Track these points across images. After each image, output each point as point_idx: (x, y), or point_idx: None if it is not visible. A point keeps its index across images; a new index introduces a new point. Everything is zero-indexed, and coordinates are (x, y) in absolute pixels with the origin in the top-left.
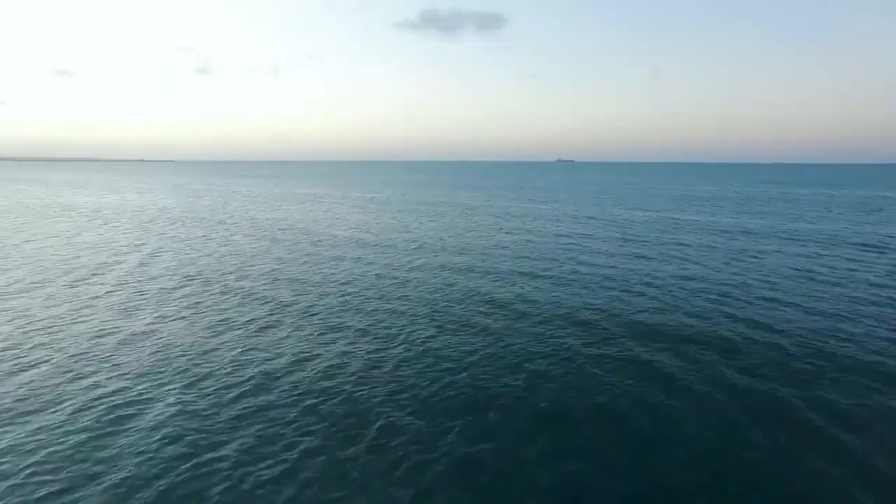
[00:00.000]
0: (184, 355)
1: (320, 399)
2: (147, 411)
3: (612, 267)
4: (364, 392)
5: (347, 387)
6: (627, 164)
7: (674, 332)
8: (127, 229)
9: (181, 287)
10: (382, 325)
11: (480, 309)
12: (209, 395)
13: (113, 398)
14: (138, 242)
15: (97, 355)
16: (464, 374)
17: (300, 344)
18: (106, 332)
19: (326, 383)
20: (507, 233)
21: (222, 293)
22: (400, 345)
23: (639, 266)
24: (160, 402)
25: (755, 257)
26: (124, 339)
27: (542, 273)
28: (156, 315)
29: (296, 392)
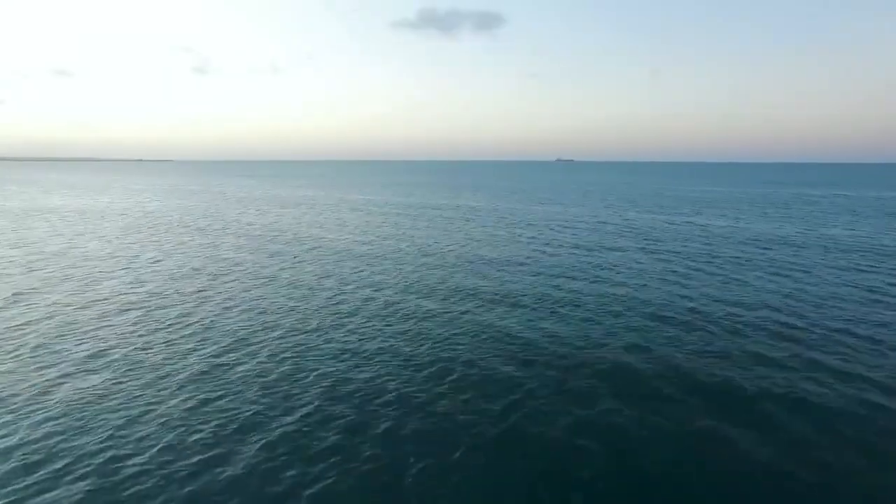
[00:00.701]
0: (107, 406)
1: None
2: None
3: (644, 286)
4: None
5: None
6: (627, 164)
7: (740, 391)
8: (102, 236)
9: (129, 310)
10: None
11: (508, 354)
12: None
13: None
14: (106, 253)
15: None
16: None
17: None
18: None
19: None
20: (520, 243)
21: (174, 324)
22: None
23: (676, 288)
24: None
25: (805, 272)
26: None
27: (566, 300)
28: (83, 351)
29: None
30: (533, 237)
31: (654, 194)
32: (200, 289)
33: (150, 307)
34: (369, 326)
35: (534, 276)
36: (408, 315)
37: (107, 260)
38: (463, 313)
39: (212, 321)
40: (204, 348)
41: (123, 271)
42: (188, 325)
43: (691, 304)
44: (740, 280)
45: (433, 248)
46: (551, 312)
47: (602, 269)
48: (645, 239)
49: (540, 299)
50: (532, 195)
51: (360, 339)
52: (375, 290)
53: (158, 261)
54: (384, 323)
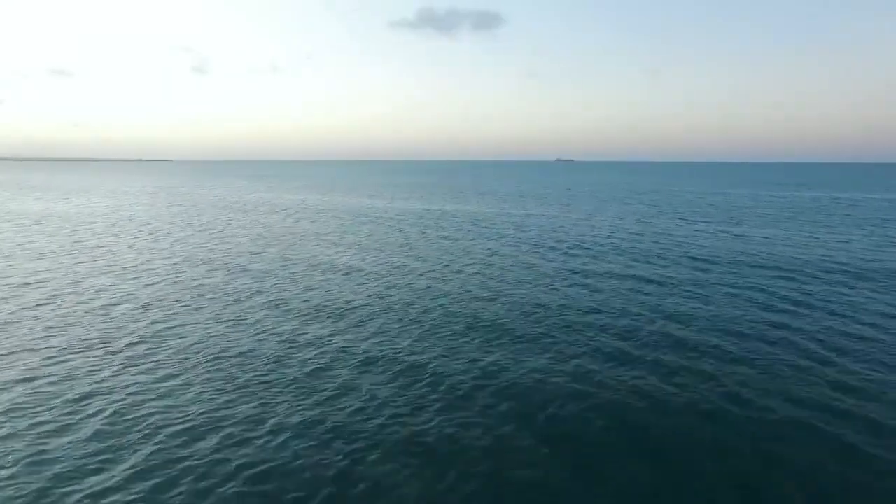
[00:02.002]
0: None
1: None
2: None
3: (736, 336)
4: None
5: None
6: (628, 164)
7: None
8: (54, 248)
9: (36, 348)
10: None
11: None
12: None
13: None
14: (46, 269)
15: None
16: None
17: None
18: None
19: None
20: (549, 273)
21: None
22: None
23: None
24: None
25: None
26: None
27: (610, 368)
28: None
29: None
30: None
31: (691, 202)
32: (120, 322)
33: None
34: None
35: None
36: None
37: (26, 281)
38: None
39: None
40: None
41: (66, 291)
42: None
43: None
44: None
45: (449, 271)
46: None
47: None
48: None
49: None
50: (548, 199)
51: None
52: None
53: (102, 285)
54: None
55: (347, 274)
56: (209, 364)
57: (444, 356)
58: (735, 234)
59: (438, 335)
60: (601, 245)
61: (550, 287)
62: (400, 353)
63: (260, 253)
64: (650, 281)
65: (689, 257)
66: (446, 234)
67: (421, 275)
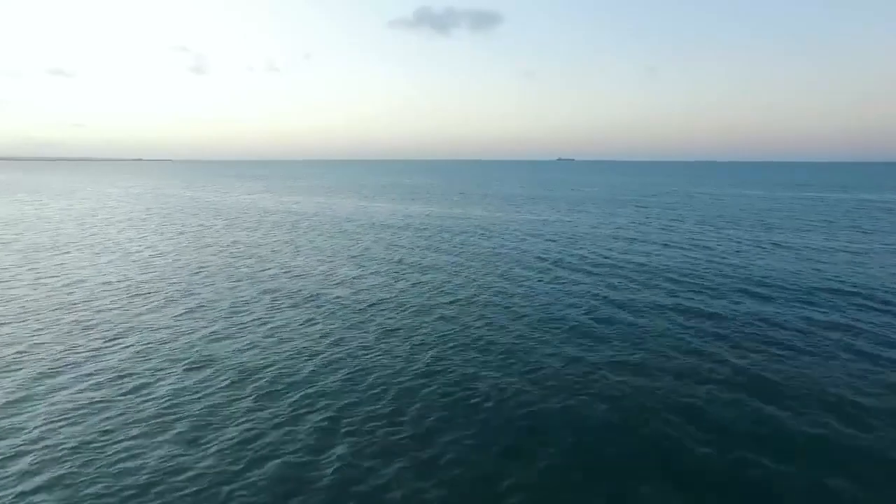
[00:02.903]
0: None
1: None
2: None
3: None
4: None
5: None
6: (628, 163)
7: None
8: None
9: None
10: None
11: None
12: None
13: None
14: None
15: None
16: None
17: None
18: None
19: None
20: (583, 304)
21: None
22: None
23: None
24: None
25: None
26: None
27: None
28: None
29: None
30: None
31: (709, 204)
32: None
33: None
34: None
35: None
36: None
37: None
38: None
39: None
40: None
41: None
42: None
43: None
44: None
45: (463, 301)
46: None
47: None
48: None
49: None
50: (558, 201)
51: None
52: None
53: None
54: None
55: (319, 305)
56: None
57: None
58: (780, 245)
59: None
60: (632, 262)
61: (587, 332)
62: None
63: (199, 271)
64: (708, 315)
65: (742, 279)
66: (453, 247)
67: (420, 309)
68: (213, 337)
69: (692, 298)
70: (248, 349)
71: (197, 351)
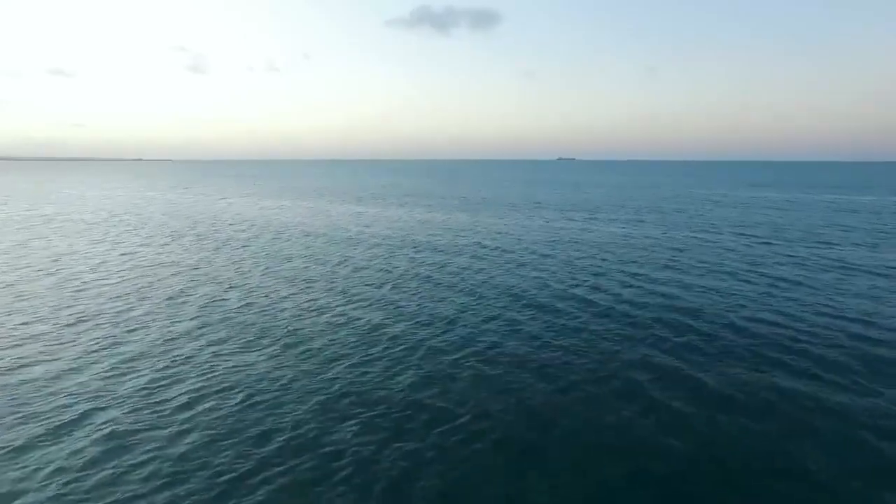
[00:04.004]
0: None
1: None
2: None
3: None
4: None
5: None
6: (629, 162)
7: None
8: None
9: None
10: None
11: None
12: None
13: None
14: None
15: None
16: None
17: None
18: None
19: None
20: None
21: None
22: None
23: None
24: None
25: None
26: None
27: None
28: None
29: None
30: None
31: (742, 209)
32: None
33: None
34: None
35: None
36: None
37: None
38: None
39: None
40: None
41: None
42: None
43: None
44: None
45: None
46: None
47: None
48: None
49: None
50: (573, 208)
51: None
52: None
53: None
54: None
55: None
56: None
57: None
58: (858, 268)
59: None
60: (683, 297)
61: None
62: None
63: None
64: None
65: (836, 318)
66: (462, 270)
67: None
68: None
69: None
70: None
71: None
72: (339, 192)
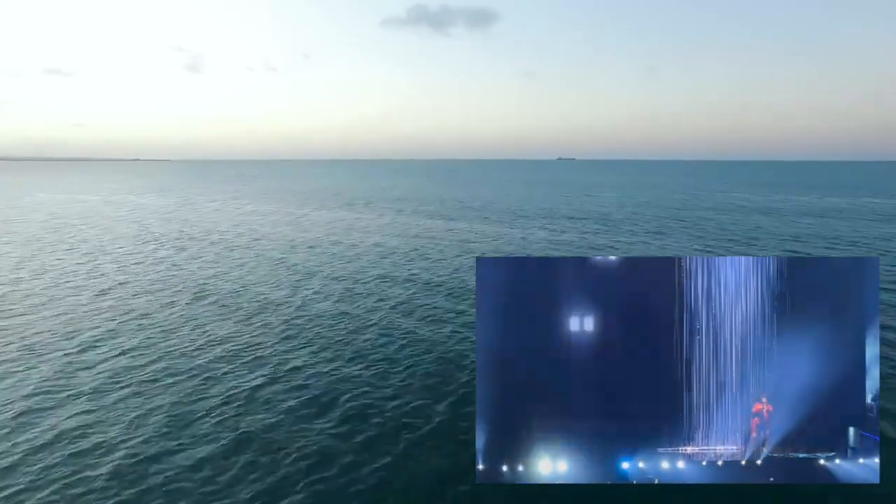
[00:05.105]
0: None
1: None
2: None
3: None
4: None
5: None
6: (629, 162)
7: None
8: None
9: None
10: None
11: None
12: None
13: None
14: None
15: None
16: None
17: None
18: None
19: None
20: None
21: None
22: None
23: None
24: None
25: None
26: None
27: None
28: None
29: None
30: None
31: (772, 216)
32: None
33: None
34: None
35: None
36: None
37: None
38: None
39: None
40: None
41: None
42: None
43: None
44: None
45: None
46: None
47: None
48: None
49: None
50: (585, 218)
51: None
52: None
53: None
54: None
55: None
56: None
57: None
58: None
59: None
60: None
61: None
62: None
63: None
64: None
65: None
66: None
67: None
68: None
69: None
70: None
71: None
72: (338, 195)
